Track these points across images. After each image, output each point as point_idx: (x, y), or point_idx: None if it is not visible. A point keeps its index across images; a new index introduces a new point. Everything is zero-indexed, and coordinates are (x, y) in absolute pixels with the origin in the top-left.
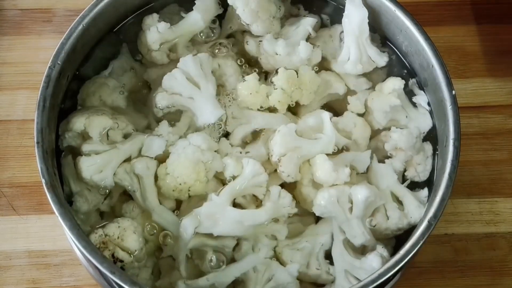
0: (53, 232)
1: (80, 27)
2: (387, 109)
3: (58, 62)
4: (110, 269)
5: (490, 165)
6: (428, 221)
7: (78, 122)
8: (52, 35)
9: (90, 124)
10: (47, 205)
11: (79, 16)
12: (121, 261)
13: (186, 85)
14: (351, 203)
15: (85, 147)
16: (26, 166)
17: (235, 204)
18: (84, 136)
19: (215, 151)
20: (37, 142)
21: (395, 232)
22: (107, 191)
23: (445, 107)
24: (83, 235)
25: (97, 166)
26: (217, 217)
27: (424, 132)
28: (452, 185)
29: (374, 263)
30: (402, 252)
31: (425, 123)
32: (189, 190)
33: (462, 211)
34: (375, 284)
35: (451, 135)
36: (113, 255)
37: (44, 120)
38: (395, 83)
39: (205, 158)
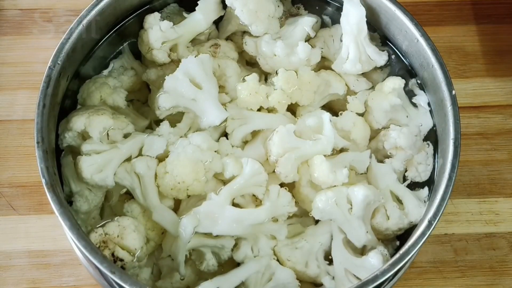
0: (53, 232)
1: (80, 27)
2: (387, 108)
3: (58, 62)
4: (110, 268)
5: (490, 165)
6: (428, 221)
7: (79, 122)
8: (52, 35)
9: (90, 123)
10: (47, 205)
11: (79, 16)
12: (121, 260)
13: (188, 86)
14: (350, 204)
15: (85, 147)
16: (26, 166)
17: (234, 205)
18: (84, 136)
19: (215, 151)
20: (37, 142)
21: (396, 232)
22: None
23: (445, 107)
24: (83, 235)
25: (97, 166)
26: (216, 216)
27: (424, 132)
28: (452, 185)
29: (375, 261)
30: (402, 251)
31: (426, 123)
32: (187, 190)
33: (462, 211)
34: (375, 284)
35: (451, 135)
36: (113, 254)
37: (44, 120)
38: (395, 82)
39: (205, 158)
